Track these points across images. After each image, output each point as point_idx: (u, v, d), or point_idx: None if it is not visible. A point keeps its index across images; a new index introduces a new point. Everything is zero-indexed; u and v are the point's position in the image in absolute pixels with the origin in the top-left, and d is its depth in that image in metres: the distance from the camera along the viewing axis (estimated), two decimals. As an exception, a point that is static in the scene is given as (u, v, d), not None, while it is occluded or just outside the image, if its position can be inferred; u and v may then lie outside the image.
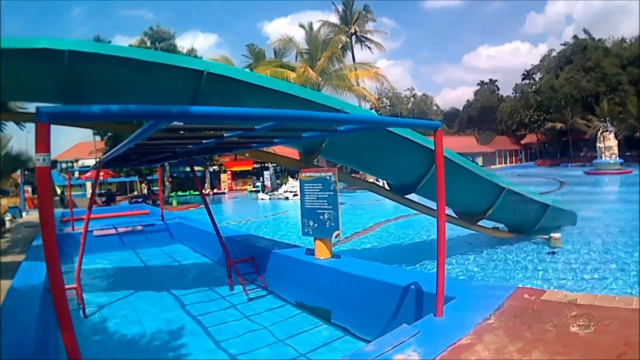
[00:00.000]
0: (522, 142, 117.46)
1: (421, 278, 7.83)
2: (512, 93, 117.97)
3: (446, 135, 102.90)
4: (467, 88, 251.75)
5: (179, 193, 58.35)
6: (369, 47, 73.20)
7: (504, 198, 15.65)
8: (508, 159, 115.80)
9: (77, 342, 3.60)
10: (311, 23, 54.72)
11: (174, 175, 59.62)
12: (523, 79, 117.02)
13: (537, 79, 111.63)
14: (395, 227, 24.58)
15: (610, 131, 68.34)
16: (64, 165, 78.73)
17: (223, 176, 72.30)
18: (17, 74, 9.81)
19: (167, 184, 51.84)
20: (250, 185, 68.34)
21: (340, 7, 72.58)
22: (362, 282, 8.78)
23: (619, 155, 67.54)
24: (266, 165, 63.28)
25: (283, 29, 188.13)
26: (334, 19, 72.37)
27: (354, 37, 70.88)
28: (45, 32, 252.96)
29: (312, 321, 9.55)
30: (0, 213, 27.98)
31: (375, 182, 23.24)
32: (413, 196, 15.37)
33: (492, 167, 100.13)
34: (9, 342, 6.04)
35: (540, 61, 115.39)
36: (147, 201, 47.39)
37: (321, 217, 10.20)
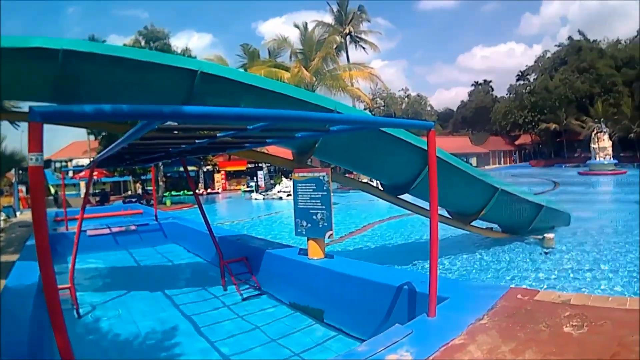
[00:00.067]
0: (516, 142, 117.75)
1: (414, 278, 7.83)
2: (507, 94, 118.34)
3: (440, 136, 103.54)
4: (461, 89, 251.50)
5: (173, 193, 58.29)
6: (364, 48, 73.38)
7: (498, 198, 15.66)
8: (502, 159, 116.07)
9: (69, 342, 3.61)
10: (306, 23, 54.64)
11: (168, 175, 59.65)
12: (517, 80, 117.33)
13: (531, 80, 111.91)
14: (388, 227, 24.61)
15: (604, 132, 68.54)
16: (58, 165, 78.64)
17: (217, 176, 72.36)
18: (11, 73, 9.78)
19: (161, 183, 51.84)
20: (244, 185, 68.19)
21: (335, 8, 72.72)
22: (355, 282, 8.78)
23: (613, 156, 67.77)
24: (260, 165, 63.28)
25: (278, 29, 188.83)
26: (329, 19, 72.54)
27: (348, 37, 70.97)
28: (41, 31, 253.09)
29: (305, 321, 9.55)
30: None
31: (369, 182, 23.28)
32: (406, 196, 15.38)
33: (486, 167, 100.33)
34: (3, 342, 6.03)
35: (535, 62, 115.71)
36: (141, 201, 47.32)
37: (314, 217, 10.20)
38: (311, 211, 10.26)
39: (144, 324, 9.78)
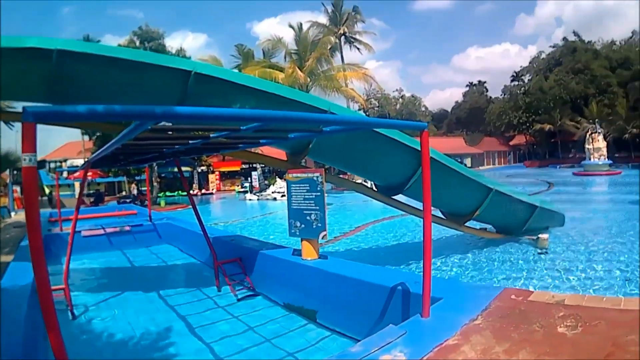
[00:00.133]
0: (511, 143, 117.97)
1: (408, 279, 7.85)
2: (501, 94, 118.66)
3: (435, 136, 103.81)
4: (456, 89, 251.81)
5: (167, 193, 58.14)
6: (358, 48, 73.32)
7: (492, 199, 15.65)
8: (496, 160, 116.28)
9: (63, 343, 3.61)
10: (300, 24, 54.62)
11: (162, 175, 59.51)
12: (512, 81, 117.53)
13: (526, 81, 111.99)
14: (382, 228, 24.57)
15: (599, 133, 68.59)
16: (52, 165, 78.44)
17: (211, 177, 72.19)
18: (5, 73, 9.78)
19: (155, 184, 51.74)
20: (238, 185, 67.99)
21: (330, 8, 72.67)
22: (349, 282, 8.80)
23: (607, 157, 67.86)
24: (254, 166, 63.21)
25: (272, 29, 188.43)
26: (324, 19, 72.48)
27: (343, 37, 70.89)
28: (36, 31, 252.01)
29: (299, 321, 9.57)
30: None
31: (363, 183, 23.28)
32: (401, 197, 15.38)
33: (481, 168, 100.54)
34: (-2, 342, 6.04)
35: (530, 63, 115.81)
36: (136, 202, 47.25)
37: (308, 217, 10.21)
38: (305, 212, 10.27)
39: (138, 325, 9.80)
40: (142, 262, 17.08)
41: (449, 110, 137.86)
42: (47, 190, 54.54)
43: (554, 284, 12.95)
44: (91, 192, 55.24)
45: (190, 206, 13.52)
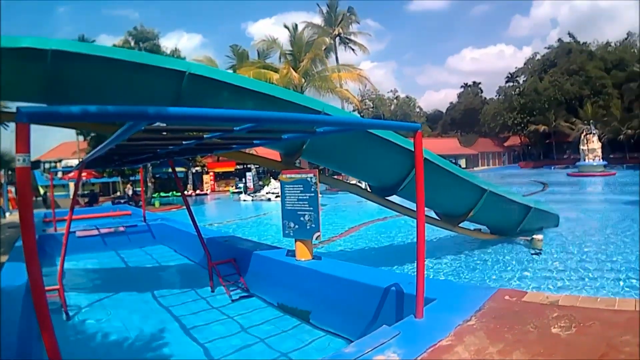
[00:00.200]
0: (506, 144, 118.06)
1: (402, 279, 7.87)
2: (496, 95, 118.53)
3: (429, 137, 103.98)
4: (450, 90, 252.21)
5: (162, 194, 58.05)
6: (353, 49, 73.15)
7: (486, 200, 15.67)
8: (491, 161, 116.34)
9: (57, 343, 3.62)
10: (295, 24, 54.53)
11: (157, 176, 59.38)
12: (507, 82, 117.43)
13: (521, 82, 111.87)
14: (376, 228, 24.53)
15: (593, 134, 68.86)
16: (47, 165, 78.24)
17: (205, 177, 72.15)
18: (1, 73, 9.78)
19: (149, 184, 51.65)
20: (232, 186, 68.02)
21: (325, 9, 72.59)
22: (343, 283, 8.82)
23: (602, 158, 68.07)
24: (248, 166, 63.19)
25: (267, 29, 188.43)
26: (318, 20, 72.35)
27: (337, 38, 70.82)
28: (31, 31, 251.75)
29: (293, 322, 9.59)
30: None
31: (357, 184, 23.29)
32: (395, 198, 15.39)
33: (475, 169, 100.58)
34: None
35: (525, 64, 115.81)
36: (131, 202, 47.20)
37: (302, 218, 10.21)
38: (299, 212, 10.28)
39: (132, 325, 9.81)
40: (136, 263, 17.08)
41: (444, 111, 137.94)
42: (41, 191, 54.46)
43: (548, 284, 12.96)
44: (86, 192, 55.16)
45: (185, 207, 13.53)
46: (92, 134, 47.52)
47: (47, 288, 7.98)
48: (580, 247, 17.04)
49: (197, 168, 69.09)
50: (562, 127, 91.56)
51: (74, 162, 62.83)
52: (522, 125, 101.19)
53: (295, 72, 46.51)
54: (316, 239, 10.31)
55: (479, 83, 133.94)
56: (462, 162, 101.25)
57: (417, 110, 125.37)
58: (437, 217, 16.82)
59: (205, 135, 6.30)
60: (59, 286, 10.84)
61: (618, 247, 16.68)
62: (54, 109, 3.70)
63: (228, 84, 11.15)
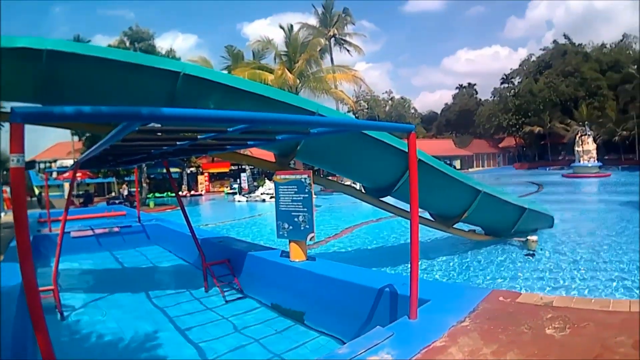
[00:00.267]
0: (500, 145, 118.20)
1: (396, 280, 7.87)
2: (491, 97, 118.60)
3: (424, 139, 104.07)
4: (445, 91, 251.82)
5: (156, 194, 57.96)
6: (348, 50, 73.30)
7: (480, 201, 15.69)
8: (486, 162, 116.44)
9: (51, 343, 3.63)
10: (291, 25, 54.55)
11: (152, 176, 59.32)
12: (502, 83, 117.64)
13: (516, 83, 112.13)
14: (371, 229, 24.56)
15: (588, 135, 68.97)
16: (42, 166, 78.11)
17: (200, 178, 72.09)
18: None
19: (144, 185, 51.61)
20: (227, 187, 67.92)
21: (320, 10, 72.63)
22: (336, 284, 8.81)
23: (597, 159, 68.21)
24: (243, 167, 63.16)
25: (263, 30, 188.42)
26: (314, 21, 72.45)
27: (333, 39, 70.86)
28: (27, 31, 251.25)
29: (286, 323, 9.58)
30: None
31: (352, 184, 23.30)
32: (389, 199, 15.41)
33: (470, 170, 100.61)
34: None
35: (520, 65, 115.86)
36: (126, 202, 47.13)
37: (296, 219, 10.21)
38: (293, 213, 10.27)
39: (126, 326, 9.80)
40: (131, 263, 17.06)
41: (439, 112, 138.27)
42: (36, 191, 54.37)
43: (542, 285, 12.98)
44: (80, 193, 55.12)
45: (179, 207, 13.51)
46: (87, 134, 47.47)
47: (41, 288, 7.99)
48: (574, 248, 17.10)
49: (192, 169, 69.03)
50: (557, 128, 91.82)
51: (69, 162, 62.75)
52: (517, 126, 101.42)
53: (290, 73, 46.49)
54: (310, 239, 10.30)
55: (474, 84, 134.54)
56: (457, 163, 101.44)
57: (412, 111, 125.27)
58: (432, 218, 16.85)
59: (199, 136, 6.30)
60: (54, 286, 10.83)
61: (612, 248, 16.75)
62: (48, 109, 3.71)
63: (222, 84, 11.14)
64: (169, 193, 60.05)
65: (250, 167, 59.76)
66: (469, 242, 18.22)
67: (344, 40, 72.63)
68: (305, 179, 10.05)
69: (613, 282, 12.88)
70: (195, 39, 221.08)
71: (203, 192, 69.71)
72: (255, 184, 58.85)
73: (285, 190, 10.36)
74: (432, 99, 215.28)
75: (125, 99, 10.78)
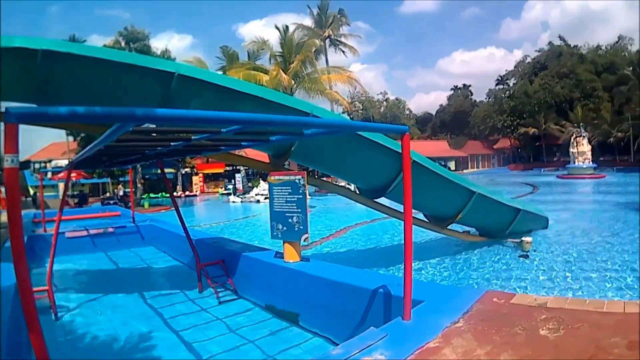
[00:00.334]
0: (495, 146, 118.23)
1: (390, 281, 7.87)
2: (486, 98, 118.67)
3: (419, 140, 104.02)
4: (440, 93, 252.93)
5: (151, 195, 57.93)
6: (343, 51, 73.22)
7: (475, 202, 15.71)
8: (481, 163, 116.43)
9: (45, 343, 3.63)
10: (286, 26, 54.46)
11: (146, 177, 59.31)
12: (497, 85, 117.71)
13: (511, 85, 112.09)
14: (365, 230, 24.61)
15: (583, 136, 69.17)
16: (37, 166, 77.96)
17: (195, 178, 72.09)
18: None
19: (139, 185, 51.59)
20: (222, 187, 67.89)
21: (315, 11, 72.64)
22: (330, 285, 8.81)
23: (592, 160, 68.39)
24: (238, 168, 63.22)
25: (258, 31, 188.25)
26: (309, 22, 72.44)
27: (328, 40, 70.84)
28: (22, 30, 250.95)
29: (280, 324, 9.59)
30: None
31: (346, 186, 23.31)
32: (384, 200, 15.42)
33: (465, 171, 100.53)
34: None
35: (515, 67, 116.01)
36: (120, 203, 47.08)
37: (290, 220, 10.21)
38: (287, 214, 10.28)
39: (120, 326, 9.80)
40: (125, 264, 17.03)
41: (434, 113, 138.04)
42: (31, 191, 54.26)
43: (537, 286, 13.01)
44: (75, 193, 55.06)
45: (174, 208, 13.51)
46: (82, 135, 47.42)
47: (35, 289, 7.98)
48: (568, 249, 17.11)
49: (187, 169, 69.06)
50: (552, 129, 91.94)
51: (64, 162, 62.67)
52: (512, 127, 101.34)
53: (285, 73, 46.45)
54: (304, 240, 10.30)
55: (469, 86, 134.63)
56: (452, 165, 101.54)
57: (407, 112, 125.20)
58: (426, 219, 16.85)
59: (193, 137, 6.30)
60: (48, 287, 10.81)
61: (606, 250, 16.79)
62: (42, 110, 3.70)
63: (217, 85, 11.14)
64: (164, 194, 60.07)
65: (245, 168, 59.82)
66: (463, 243, 18.24)
67: (339, 41, 72.61)
68: (299, 179, 10.05)
69: (607, 283, 12.92)
70: (190, 39, 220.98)
71: (197, 193, 69.71)
72: (249, 184, 58.93)
73: (280, 191, 10.37)
74: (427, 100, 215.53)
75: (120, 99, 10.77)
